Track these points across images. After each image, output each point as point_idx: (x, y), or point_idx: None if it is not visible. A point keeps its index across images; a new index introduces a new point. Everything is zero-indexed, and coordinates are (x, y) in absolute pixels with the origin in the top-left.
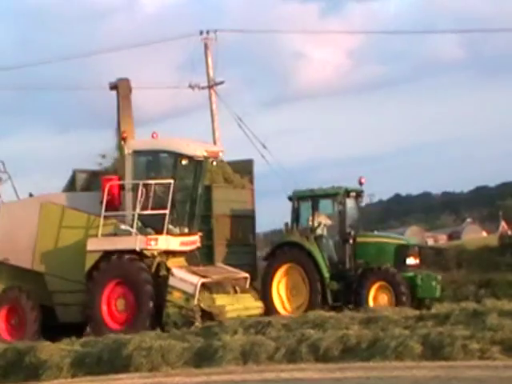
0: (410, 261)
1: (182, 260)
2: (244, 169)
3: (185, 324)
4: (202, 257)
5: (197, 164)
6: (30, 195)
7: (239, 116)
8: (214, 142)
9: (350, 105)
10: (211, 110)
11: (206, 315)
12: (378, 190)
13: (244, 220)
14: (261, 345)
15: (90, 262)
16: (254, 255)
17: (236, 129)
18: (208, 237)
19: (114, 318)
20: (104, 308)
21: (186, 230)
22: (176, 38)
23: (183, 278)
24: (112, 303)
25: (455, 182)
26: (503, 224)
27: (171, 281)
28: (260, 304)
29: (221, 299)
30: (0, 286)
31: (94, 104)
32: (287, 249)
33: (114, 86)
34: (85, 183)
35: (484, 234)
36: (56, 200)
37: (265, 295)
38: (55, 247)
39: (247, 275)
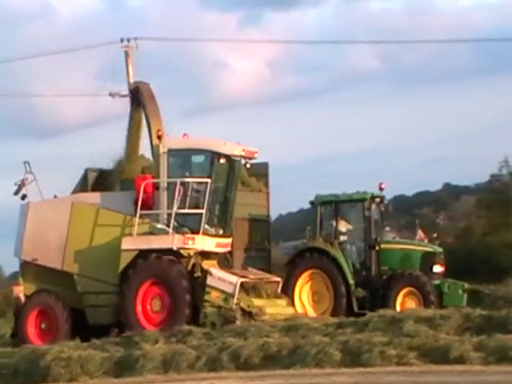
0: (437, 268)
1: (214, 263)
2: (259, 172)
3: (224, 324)
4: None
5: (232, 164)
6: (55, 197)
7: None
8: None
9: (271, 114)
10: None
11: (246, 315)
12: (298, 199)
13: (260, 224)
14: (182, 354)
15: (124, 261)
16: (269, 260)
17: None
18: None
19: (148, 319)
20: (139, 308)
21: (221, 232)
22: (96, 45)
23: (222, 278)
24: (147, 303)
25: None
26: (420, 232)
27: (209, 280)
28: (292, 309)
29: (258, 301)
30: (29, 287)
31: (9, 112)
32: (310, 255)
33: (135, 88)
34: (96, 181)
35: None
36: (86, 200)
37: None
38: (86, 247)
39: (280, 280)
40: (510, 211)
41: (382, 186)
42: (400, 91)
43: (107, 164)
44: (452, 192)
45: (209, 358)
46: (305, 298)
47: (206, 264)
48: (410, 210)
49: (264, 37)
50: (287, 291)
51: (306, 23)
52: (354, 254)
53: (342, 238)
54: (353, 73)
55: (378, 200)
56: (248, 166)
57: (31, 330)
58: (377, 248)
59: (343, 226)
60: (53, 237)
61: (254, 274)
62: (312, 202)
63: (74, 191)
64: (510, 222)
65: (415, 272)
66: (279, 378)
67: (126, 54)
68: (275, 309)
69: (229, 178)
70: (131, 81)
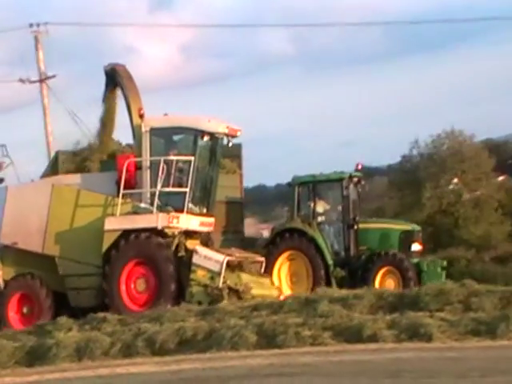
0: (415, 247)
1: (197, 242)
2: (232, 153)
3: (210, 303)
4: None
5: (215, 142)
6: (32, 181)
7: (73, 111)
8: (47, 137)
9: (183, 99)
10: (43, 105)
11: (232, 293)
12: None
13: (234, 206)
14: (95, 341)
15: (107, 242)
16: (243, 242)
17: (70, 124)
18: None
19: (133, 300)
20: (123, 289)
21: (205, 211)
22: (4, 30)
23: (208, 256)
24: (131, 284)
25: (288, 175)
26: None
27: (195, 259)
28: (277, 289)
29: (245, 277)
30: (8, 271)
31: None
32: (289, 236)
33: (111, 70)
34: (67, 164)
35: None
36: (66, 182)
37: None
38: (68, 229)
39: (263, 259)
40: (421, 191)
41: (359, 167)
42: (310, 74)
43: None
44: (364, 174)
45: (123, 345)
46: (283, 279)
47: (190, 243)
48: None
49: (175, 21)
50: (266, 272)
51: (217, 7)
52: (333, 234)
53: (320, 218)
54: (265, 56)
55: (355, 180)
56: (230, 144)
57: (12, 314)
58: (355, 228)
59: (321, 207)
60: (33, 220)
61: (238, 253)
62: (289, 183)
63: (44, 175)
64: (420, 202)
65: (393, 251)
66: (195, 362)
67: (36, 40)
68: (260, 288)
69: (212, 157)
70: (41, 66)
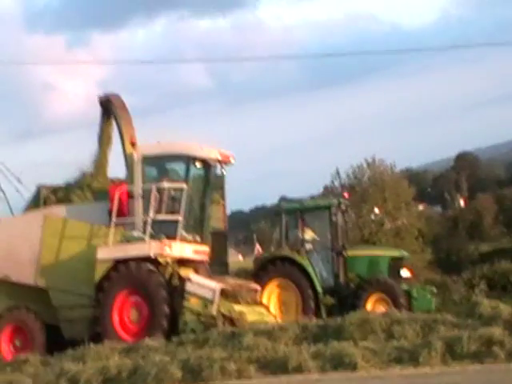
0: (405, 273)
1: (190, 271)
2: (216, 184)
3: (204, 331)
4: None
5: (208, 169)
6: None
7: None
8: None
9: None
10: None
11: (227, 321)
12: None
13: (218, 237)
14: (18, 383)
15: (100, 271)
16: (227, 274)
17: None
18: None
19: (126, 330)
20: (116, 319)
21: (198, 239)
22: None
23: (201, 284)
24: (125, 314)
25: None
26: (258, 247)
27: (188, 286)
28: (273, 317)
29: (238, 307)
30: (2, 304)
31: None
32: (277, 264)
33: (105, 100)
34: (48, 199)
35: (240, 257)
36: (59, 213)
37: None
38: (60, 260)
39: (259, 287)
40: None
41: (345, 195)
42: (231, 107)
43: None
44: None
45: None
46: (273, 308)
47: (183, 272)
48: (247, 225)
49: (93, 57)
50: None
51: (135, 43)
52: (321, 262)
53: (308, 245)
54: (184, 91)
55: (343, 207)
56: (224, 172)
57: (5, 347)
58: (344, 255)
59: (309, 234)
60: (25, 252)
61: (233, 281)
62: (277, 211)
63: (27, 208)
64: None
65: (384, 278)
66: None
67: None
68: (255, 316)
69: (205, 184)
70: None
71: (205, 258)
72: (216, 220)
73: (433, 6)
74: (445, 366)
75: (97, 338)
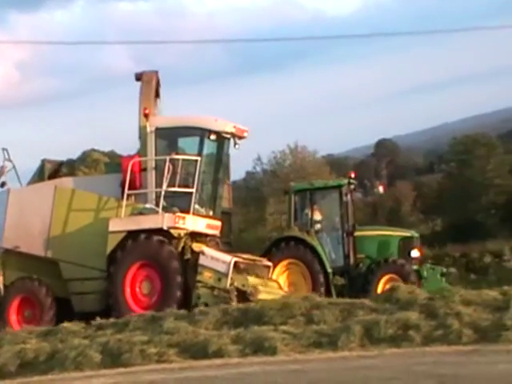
0: (415, 253)
1: (203, 245)
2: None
3: (217, 305)
4: None
5: (222, 143)
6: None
7: None
8: None
9: (20, 118)
10: None
11: (240, 295)
12: None
13: (225, 217)
14: None
15: (112, 243)
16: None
17: None
18: None
19: (138, 302)
20: (128, 291)
21: (211, 213)
22: None
23: (215, 257)
24: (136, 286)
25: None
26: None
27: (202, 260)
28: (284, 293)
29: (252, 279)
30: (9, 276)
31: None
32: (287, 244)
33: (138, 77)
34: (53, 173)
35: None
36: (70, 184)
37: None
38: (71, 232)
39: (271, 264)
40: (264, 207)
41: (352, 175)
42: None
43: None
44: None
45: None
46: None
47: (196, 246)
48: None
49: (11, 38)
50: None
51: (55, 24)
52: (331, 242)
53: (318, 226)
54: (107, 74)
55: (351, 187)
56: (237, 147)
57: (13, 317)
58: (354, 235)
59: (318, 214)
60: (35, 223)
61: (245, 256)
62: (286, 191)
63: (31, 182)
64: (264, 217)
65: (395, 258)
66: None
67: None
68: (267, 291)
69: (218, 157)
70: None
71: (216, 232)
72: (224, 199)
73: None
74: (363, 350)
75: (108, 311)
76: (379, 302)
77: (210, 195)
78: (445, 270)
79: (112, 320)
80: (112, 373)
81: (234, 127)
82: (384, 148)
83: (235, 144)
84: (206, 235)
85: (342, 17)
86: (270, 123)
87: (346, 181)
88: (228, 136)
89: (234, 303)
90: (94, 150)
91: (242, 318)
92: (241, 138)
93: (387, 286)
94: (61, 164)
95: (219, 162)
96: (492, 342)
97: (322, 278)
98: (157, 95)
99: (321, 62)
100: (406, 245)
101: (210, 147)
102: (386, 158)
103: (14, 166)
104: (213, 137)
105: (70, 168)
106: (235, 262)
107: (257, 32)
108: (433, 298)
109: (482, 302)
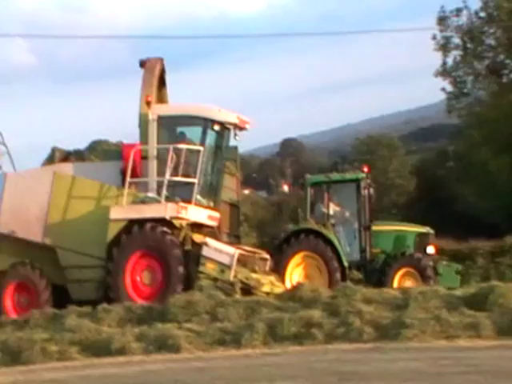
0: (430, 249)
1: (203, 236)
2: (229, 156)
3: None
4: None
5: (223, 133)
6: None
7: None
8: None
9: None
10: None
11: (242, 288)
12: None
13: (234, 209)
14: None
15: (112, 232)
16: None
17: None
18: None
19: (138, 292)
20: (128, 281)
21: (212, 204)
22: None
23: (218, 249)
24: (136, 276)
25: None
26: None
27: (205, 251)
28: (282, 286)
29: (255, 274)
30: (4, 261)
31: None
32: (303, 237)
33: (142, 64)
34: (62, 162)
35: None
36: (68, 170)
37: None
38: (70, 219)
39: (269, 257)
40: None
41: (365, 170)
42: (57, 86)
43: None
44: None
45: None
46: (296, 281)
47: (196, 237)
48: None
49: None
50: (278, 275)
51: None
52: (347, 236)
53: (334, 219)
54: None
55: (369, 181)
56: (238, 138)
57: (8, 303)
58: (371, 229)
59: (335, 208)
60: (33, 208)
61: (247, 249)
62: (302, 184)
63: None
64: None
65: (414, 253)
66: None
67: None
68: (268, 284)
69: (220, 148)
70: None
71: (216, 224)
72: (230, 191)
73: None
74: (266, 348)
75: (105, 299)
76: (283, 300)
77: (211, 185)
78: (460, 267)
79: (12, 317)
80: (11, 371)
81: (238, 118)
82: (289, 147)
83: (235, 135)
84: (205, 226)
85: (247, 16)
86: None
87: (363, 174)
88: (230, 127)
89: (238, 296)
90: (102, 141)
91: (146, 315)
92: (242, 129)
93: (404, 281)
94: (69, 153)
95: (220, 152)
96: (392, 340)
97: (338, 272)
98: (163, 83)
99: (226, 60)
100: (421, 241)
101: (212, 137)
102: (290, 157)
103: (8, 151)
104: (216, 127)
105: (79, 158)
106: (239, 255)
107: (161, 29)
108: (335, 296)
109: (383, 300)
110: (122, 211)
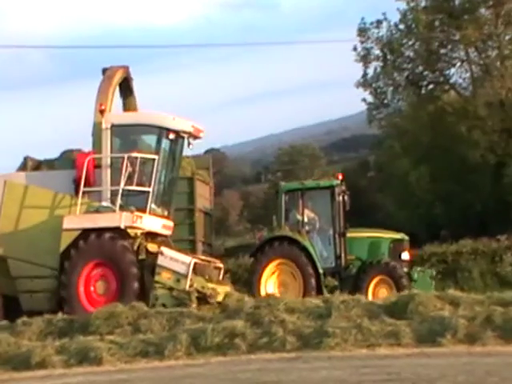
0: (405, 256)
1: (157, 246)
2: (203, 165)
3: (175, 306)
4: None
5: (178, 142)
6: None
7: None
8: None
9: None
10: None
11: (199, 297)
12: None
13: (207, 217)
14: None
15: (65, 241)
16: (210, 255)
17: None
18: (191, 231)
19: (92, 302)
20: (81, 290)
21: (166, 213)
22: None
23: (174, 258)
24: (90, 286)
25: None
26: None
27: (160, 260)
28: (237, 296)
29: (209, 283)
30: None
31: None
32: (277, 244)
33: (103, 71)
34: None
35: None
36: (21, 179)
37: (252, 292)
38: (21, 229)
39: (222, 266)
40: None
41: (340, 177)
42: None
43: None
44: None
45: None
46: (271, 290)
47: (150, 246)
48: None
49: None
50: (253, 282)
51: None
52: (322, 243)
53: (309, 226)
54: None
55: (343, 188)
56: (191, 147)
57: None
58: (346, 236)
59: (309, 214)
60: None
61: (201, 257)
62: (277, 191)
63: None
64: None
65: (386, 260)
66: None
67: None
68: (223, 291)
69: (174, 156)
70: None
71: (170, 233)
72: (204, 200)
73: (180, 4)
74: (189, 359)
75: (58, 310)
76: (206, 310)
77: (165, 194)
78: (434, 272)
79: None
80: None
81: (192, 126)
82: (212, 157)
83: (189, 144)
84: (159, 235)
85: (168, 27)
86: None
87: (338, 181)
88: (185, 135)
89: (195, 305)
90: (72, 151)
91: (67, 328)
92: (196, 137)
93: (378, 288)
94: (40, 162)
95: (174, 160)
96: (314, 349)
97: (313, 279)
98: (129, 91)
99: (148, 70)
100: (396, 247)
101: (166, 146)
102: (213, 167)
103: None
104: (171, 135)
105: (49, 167)
106: (195, 263)
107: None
108: (259, 306)
109: (306, 309)
110: (77, 220)
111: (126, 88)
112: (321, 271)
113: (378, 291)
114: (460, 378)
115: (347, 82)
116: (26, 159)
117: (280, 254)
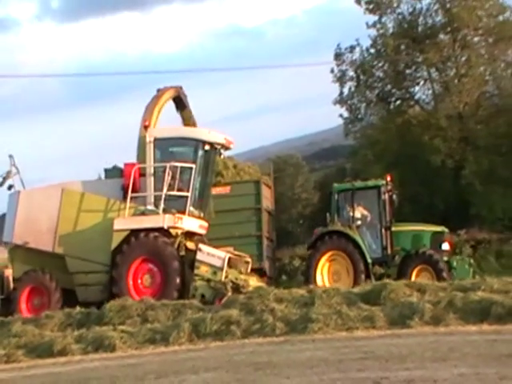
0: (445, 246)
1: (193, 244)
2: (266, 170)
3: (212, 296)
4: (254, 247)
5: (212, 152)
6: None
7: None
8: None
9: None
10: None
11: (233, 287)
12: None
13: (270, 216)
14: None
15: (116, 240)
16: (274, 251)
17: None
18: (258, 228)
19: (139, 293)
20: (130, 283)
21: (202, 215)
22: None
23: (211, 253)
24: (138, 279)
25: None
26: None
27: (199, 256)
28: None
29: (242, 275)
30: (18, 269)
31: None
32: (331, 238)
33: (158, 91)
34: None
35: None
36: (75, 187)
37: (309, 280)
38: (77, 230)
39: (250, 260)
40: None
41: (388, 178)
42: None
43: None
44: None
45: None
46: (325, 278)
47: (189, 244)
48: None
49: None
50: (310, 271)
51: None
52: (370, 236)
53: (359, 222)
54: None
55: (389, 187)
56: (222, 156)
57: (23, 306)
58: (391, 230)
59: (359, 211)
60: (44, 221)
61: (233, 253)
62: (330, 192)
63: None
64: None
65: (426, 250)
66: None
67: None
68: (253, 283)
69: (208, 165)
70: None
71: (205, 232)
72: (267, 201)
73: (178, 34)
74: (191, 344)
75: (108, 300)
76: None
77: (201, 198)
78: (472, 261)
79: None
80: None
81: (225, 139)
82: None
83: (220, 154)
84: (196, 234)
85: (169, 54)
86: (104, 152)
87: (383, 181)
88: (218, 146)
89: (230, 293)
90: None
91: (85, 319)
92: (227, 148)
93: (420, 276)
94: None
95: (209, 168)
96: (300, 333)
97: (362, 267)
98: (183, 106)
99: (149, 93)
100: (437, 239)
101: (202, 156)
102: None
103: (18, 171)
104: (207, 147)
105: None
106: (229, 257)
107: (92, 66)
108: (251, 297)
109: (293, 298)
110: (125, 222)
111: (179, 104)
112: (369, 261)
113: (420, 278)
114: (427, 354)
115: (326, 99)
116: (114, 168)
117: (333, 247)
